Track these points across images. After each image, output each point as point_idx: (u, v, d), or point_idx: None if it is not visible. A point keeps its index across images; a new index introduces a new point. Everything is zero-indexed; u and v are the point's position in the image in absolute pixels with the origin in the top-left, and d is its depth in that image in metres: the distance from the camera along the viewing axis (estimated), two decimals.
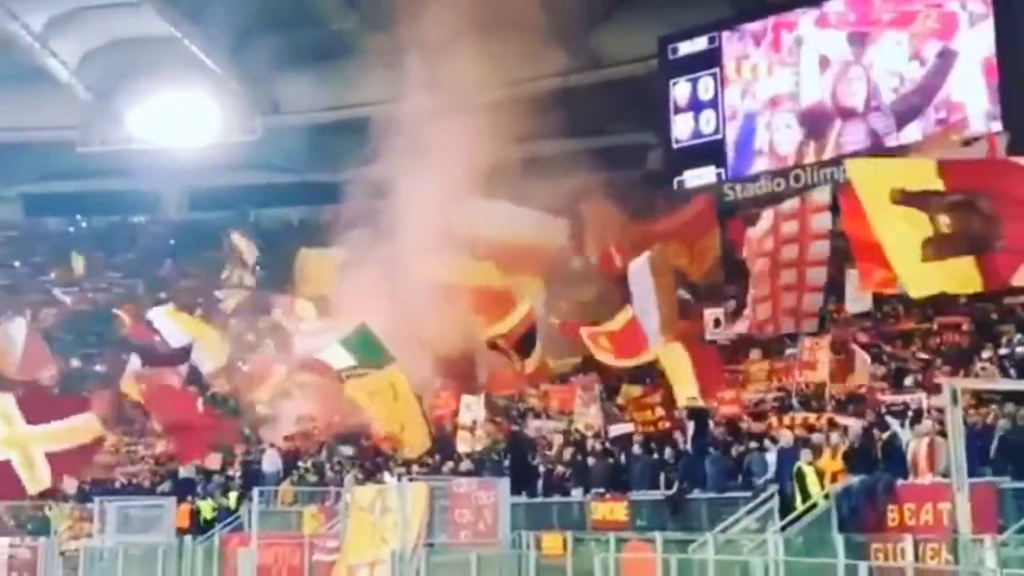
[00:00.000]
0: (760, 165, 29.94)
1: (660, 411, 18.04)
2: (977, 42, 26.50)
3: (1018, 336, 17.09)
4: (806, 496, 14.34)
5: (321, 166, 41.06)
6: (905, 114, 27.47)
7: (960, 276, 12.32)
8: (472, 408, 22.26)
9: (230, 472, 25.23)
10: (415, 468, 21.08)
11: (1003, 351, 17.08)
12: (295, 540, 20.14)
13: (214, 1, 37.58)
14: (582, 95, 33.50)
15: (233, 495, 23.63)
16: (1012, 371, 16.09)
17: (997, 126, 25.55)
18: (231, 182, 43.63)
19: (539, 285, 25.59)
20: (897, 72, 27.55)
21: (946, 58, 26.84)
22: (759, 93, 30.02)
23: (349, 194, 32.59)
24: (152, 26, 37.41)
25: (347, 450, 25.00)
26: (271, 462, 24.91)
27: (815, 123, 29.03)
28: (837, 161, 28.15)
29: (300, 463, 25.14)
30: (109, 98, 40.86)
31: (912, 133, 27.02)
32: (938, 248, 12.11)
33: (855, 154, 27.44)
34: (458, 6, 27.76)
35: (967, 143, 23.21)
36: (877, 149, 27.14)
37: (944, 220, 12.17)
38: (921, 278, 12.49)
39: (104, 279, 42.74)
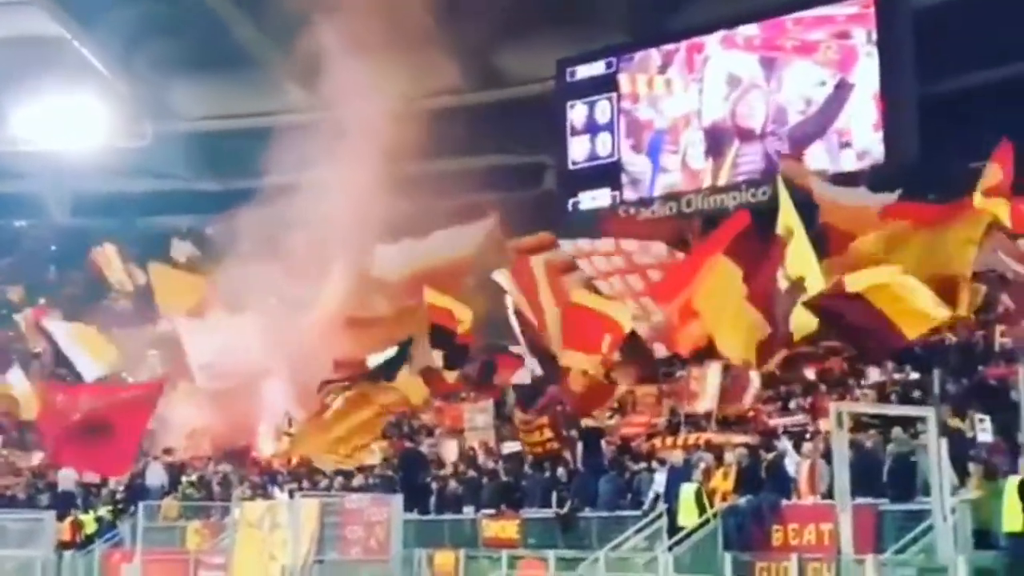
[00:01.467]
0: (663, 185, 30.44)
1: (548, 433, 18.20)
2: (872, 74, 27.51)
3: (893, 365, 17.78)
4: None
5: (211, 175, 40.46)
6: (801, 139, 28.27)
7: None
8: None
9: (111, 486, 24.57)
10: (305, 484, 20.86)
11: (881, 378, 17.73)
12: (180, 556, 19.79)
13: (105, 3, 36.82)
14: (480, 113, 33.72)
15: (105, 509, 23.08)
16: (892, 397, 16.71)
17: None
18: (118, 188, 42.64)
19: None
20: (804, 97, 28.36)
21: (843, 89, 27.77)
22: (665, 112, 30.57)
23: (239, 204, 32.21)
24: (40, 26, 36.47)
25: (229, 467, 24.63)
26: (155, 476, 24.36)
27: (715, 143, 29.66)
28: (732, 188, 29.01)
29: (184, 477, 24.65)
30: None
31: (814, 156, 27.77)
32: None
33: (750, 180, 28.39)
34: (356, 20, 27.71)
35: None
36: (771, 172, 27.92)
37: None
38: None
39: None
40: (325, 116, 30.26)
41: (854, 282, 14.92)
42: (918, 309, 14.76)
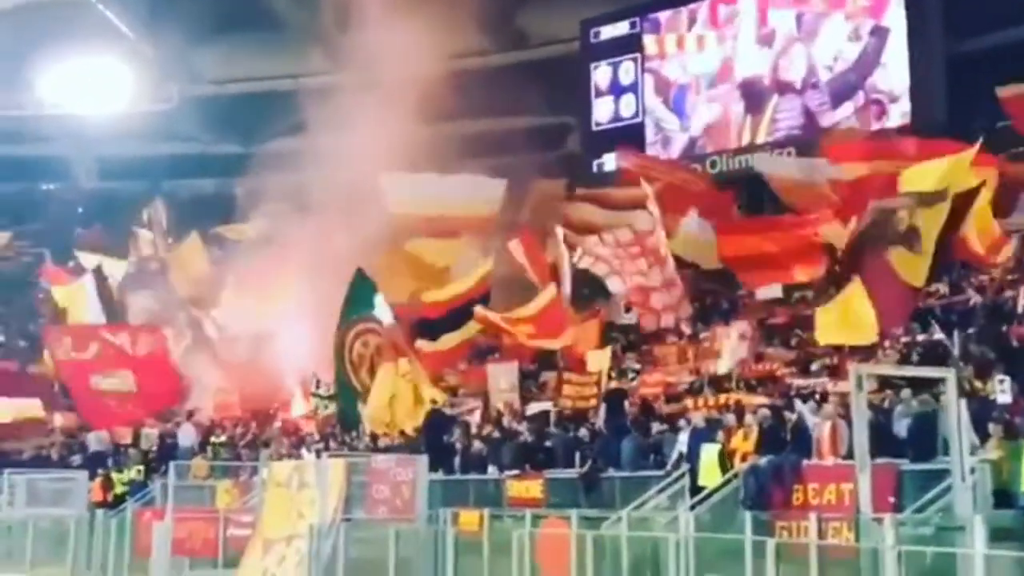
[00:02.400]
0: (688, 146, 30.24)
1: (593, 390, 18.56)
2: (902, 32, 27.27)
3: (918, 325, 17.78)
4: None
5: (237, 138, 40.60)
6: (840, 93, 28.05)
7: None
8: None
9: (143, 446, 25.00)
10: (332, 445, 21.15)
11: (905, 339, 17.74)
12: (210, 514, 20.09)
13: None
14: (505, 75, 33.67)
15: (136, 469, 23.50)
16: (914, 358, 16.74)
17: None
18: (144, 151, 42.87)
19: (476, 252, 25.58)
20: (835, 51, 28.09)
21: (879, 36, 27.52)
22: (692, 71, 30.37)
23: (265, 167, 32.40)
24: None
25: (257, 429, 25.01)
26: (186, 436, 24.74)
27: (753, 99, 29.45)
28: (749, 149, 28.92)
29: (214, 438, 25.03)
30: (20, 62, 39.79)
31: (845, 111, 27.51)
32: None
33: (777, 141, 28.31)
34: None
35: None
36: (812, 128, 27.76)
37: None
38: None
39: (11, 247, 41.76)
40: (350, 79, 30.29)
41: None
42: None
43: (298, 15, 36.18)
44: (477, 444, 19.07)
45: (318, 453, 19.83)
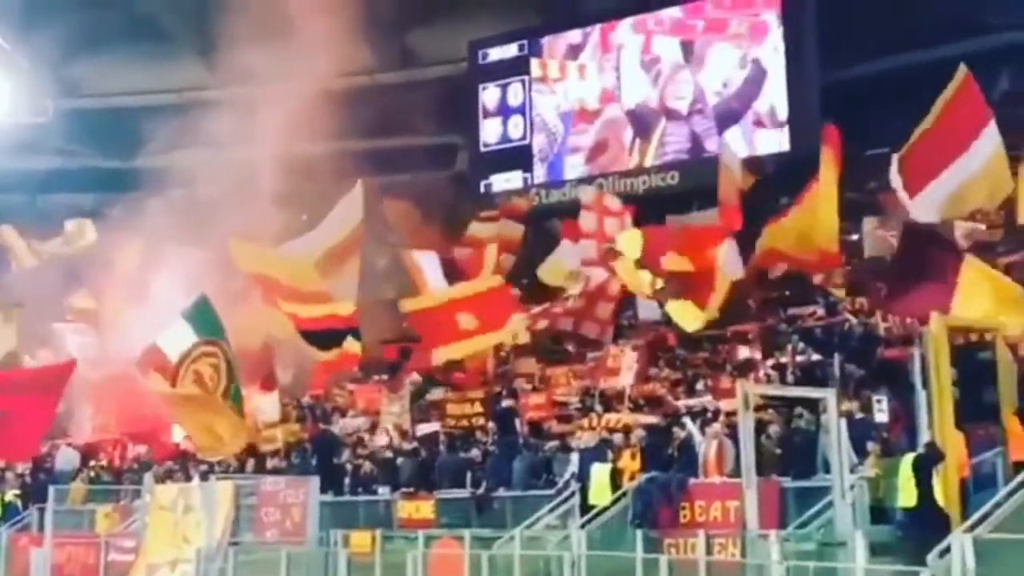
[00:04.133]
0: (575, 168, 30.82)
1: (478, 407, 18.62)
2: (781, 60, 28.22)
3: (800, 345, 18.41)
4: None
5: (115, 152, 39.61)
6: (726, 118, 28.76)
7: None
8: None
9: (19, 469, 24.16)
10: (217, 468, 20.79)
11: (784, 359, 18.36)
12: (90, 540, 19.59)
13: None
14: (392, 94, 33.66)
15: (12, 493, 22.71)
16: (791, 378, 17.33)
17: None
18: (19, 165, 41.49)
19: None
20: (723, 77, 28.87)
21: (758, 63, 28.41)
22: (579, 95, 30.86)
23: (146, 182, 31.69)
24: None
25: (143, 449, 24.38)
26: (65, 459, 24.02)
27: (639, 125, 29.96)
28: (636, 172, 29.52)
29: (92, 461, 24.36)
30: None
31: (733, 135, 28.26)
32: None
33: (661, 165, 28.99)
34: None
35: None
36: (699, 152, 28.44)
37: None
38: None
39: None
40: (235, 93, 29.91)
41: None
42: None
43: (182, 28, 35.59)
44: (367, 465, 19.02)
45: (204, 475, 19.50)
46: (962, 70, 16.70)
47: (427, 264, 23.26)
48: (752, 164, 25.38)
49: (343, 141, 31.35)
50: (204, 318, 19.73)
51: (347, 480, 18.97)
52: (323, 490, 17.59)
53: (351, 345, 21.08)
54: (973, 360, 14.50)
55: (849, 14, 27.22)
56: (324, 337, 21.34)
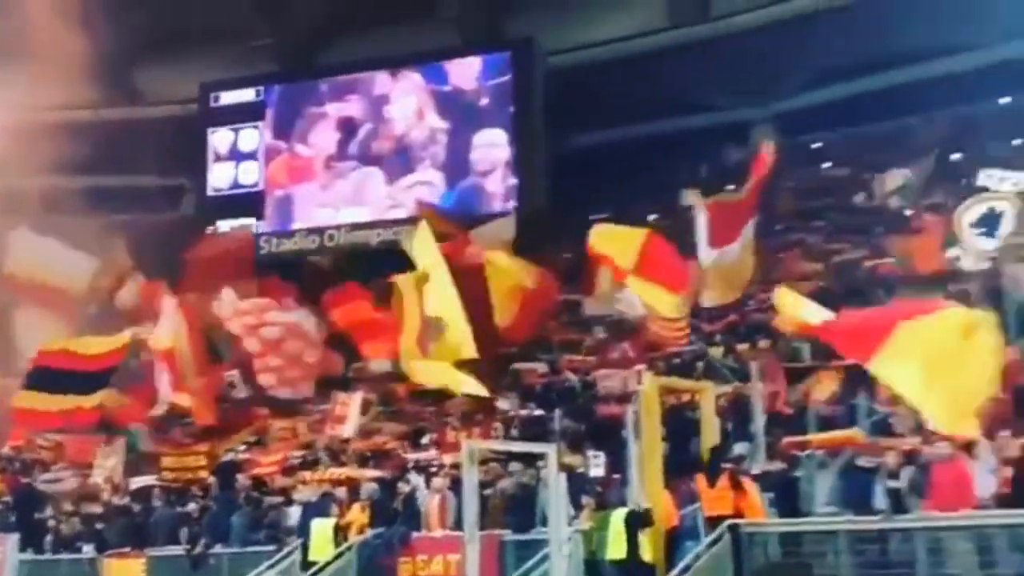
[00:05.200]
0: (306, 218, 30.49)
1: (203, 460, 17.95)
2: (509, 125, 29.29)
3: (520, 400, 18.94)
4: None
5: None
6: (457, 174, 29.48)
7: None
8: None
9: None
10: None
11: (511, 413, 18.81)
12: None
13: None
14: (117, 131, 32.32)
15: None
16: (515, 432, 17.77)
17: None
18: None
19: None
20: (452, 137, 29.59)
21: (491, 124, 29.39)
22: (315, 145, 30.70)
23: None
24: None
25: None
26: None
27: (367, 178, 30.16)
28: (377, 224, 29.62)
29: None
30: None
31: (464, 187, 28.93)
32: None
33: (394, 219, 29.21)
34: None
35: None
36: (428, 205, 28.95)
37: None
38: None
39: None
40: None
41: None
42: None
43: None
44: (73, 521, 17.92)
45: None
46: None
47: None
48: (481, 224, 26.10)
49: (60, 176, 29.76)
50: None
51: (49, 538, 17.77)
52: (23, 548, 16.46)
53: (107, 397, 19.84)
54: (681, 418, 15.41)
55: (576, 88, 28.67)
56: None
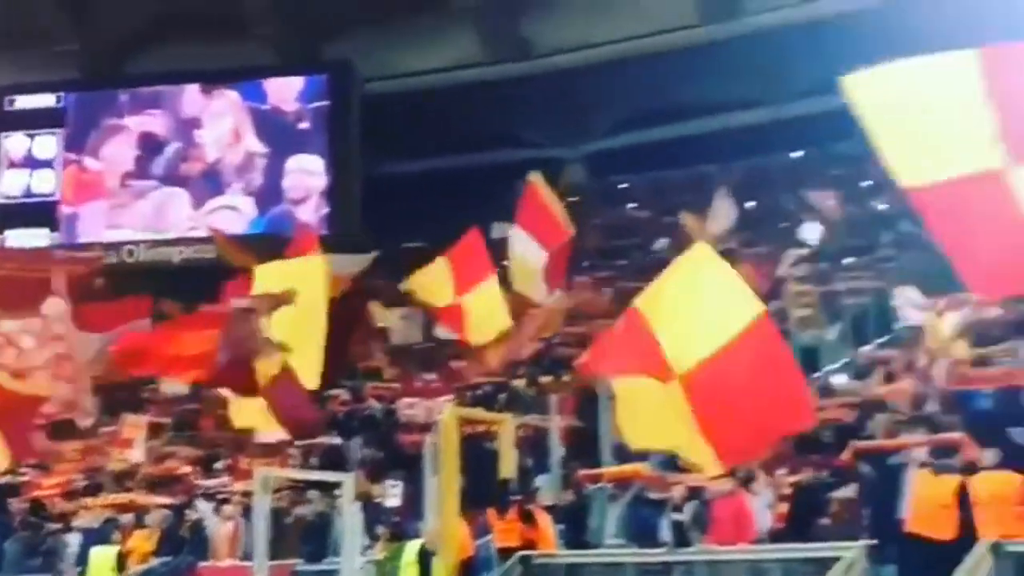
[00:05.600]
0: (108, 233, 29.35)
1: None
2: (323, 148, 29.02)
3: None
4: None
5: None
6: (267, 197, 28.97)
7: None
8: None
9: None
10: None
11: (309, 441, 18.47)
12: None
13: None
14: None
15: None
16: (314, 460, 17.48)
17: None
18: None
19: None
20: (263, 158, 29.03)
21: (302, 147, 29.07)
22: (117, 157, 29.60)
23: None
24: None
25: None
26: None
27: (174, 195, 29.28)
28: (180, 242, 28.73)
29: None
30: None
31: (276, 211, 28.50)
32: None
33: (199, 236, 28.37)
34: None
35: None
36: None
37: None
38: None
39: None
40: None
41: None
42: None
43: None
44: None
45: None
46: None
47: None
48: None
49: None
50: None
51: None
52: None
53: None
54: (481, 449, 15.47)
55: (393, 116, 28.73)
56: None
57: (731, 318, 8.13)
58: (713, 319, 8.17)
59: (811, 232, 21.55)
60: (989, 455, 10.43)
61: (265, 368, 12.66)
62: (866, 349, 16.41)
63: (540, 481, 14.36)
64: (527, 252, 16.94)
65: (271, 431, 14.48)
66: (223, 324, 13.70)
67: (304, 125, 29.27)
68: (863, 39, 24.88)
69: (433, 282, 17.16)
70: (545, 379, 19.59)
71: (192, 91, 29.81)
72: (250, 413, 14.68)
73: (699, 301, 8.34)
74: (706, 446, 7.99)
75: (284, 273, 14.83)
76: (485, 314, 16.47)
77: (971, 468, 10.36)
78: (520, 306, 16.74)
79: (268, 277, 14.63)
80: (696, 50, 27.28)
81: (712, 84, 27.36)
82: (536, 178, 16.36)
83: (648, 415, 8.65)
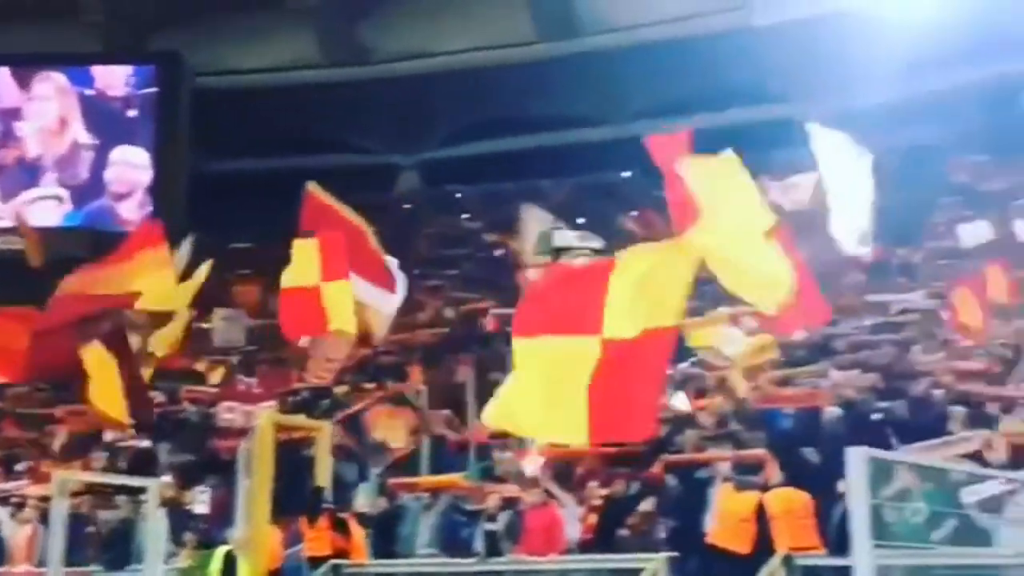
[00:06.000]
0: None
1: None
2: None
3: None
4: None
5: None
6: (88, 195, 27.96)
7: None
8: None
9: None
10: None
11: (118, 444, 17.76)
12: None
13: None
14: None
15: None
16: (122, 464, 16.82)
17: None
18: None
19: None
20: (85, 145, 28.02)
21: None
22: None
23: None
24: None
25: None
26: None
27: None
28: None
29: None
30: None
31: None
32: None
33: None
34: None
35: None
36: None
37: None
38: None
39: None
40: None
41: None
42: None
43: None
44: None
45: None
46: None
47: None
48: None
49: None
50: None
51: None
52: None
53: None
54: (297, 456, 15.19)
55: (224, 112, 28.06)
56: None
57: (659, 314, 8.08)
58: (648, 310, 8.06)
59: None
60: (780, 473, 10.87)
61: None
62: (682, 366, 16.82)
63: (361, 489, 14.21)
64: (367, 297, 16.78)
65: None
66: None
67: (132, 113, 28.31)
68: (696, 64, 25.82)
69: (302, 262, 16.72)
70: (368, 386, 19.43)
71: (9, 80, 28.47)
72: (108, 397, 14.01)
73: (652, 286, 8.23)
74: (584, 413, 7.88)
75: (131, 272, 14.28)
76: (340, 308, 16.26)
77: (766, 486, 10.78)
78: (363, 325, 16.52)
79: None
80: (534, 66, 27.65)
81: (548, 100, 27.77)
82: (313, 186, 15.86)
83: (534, 385, 8.36)
